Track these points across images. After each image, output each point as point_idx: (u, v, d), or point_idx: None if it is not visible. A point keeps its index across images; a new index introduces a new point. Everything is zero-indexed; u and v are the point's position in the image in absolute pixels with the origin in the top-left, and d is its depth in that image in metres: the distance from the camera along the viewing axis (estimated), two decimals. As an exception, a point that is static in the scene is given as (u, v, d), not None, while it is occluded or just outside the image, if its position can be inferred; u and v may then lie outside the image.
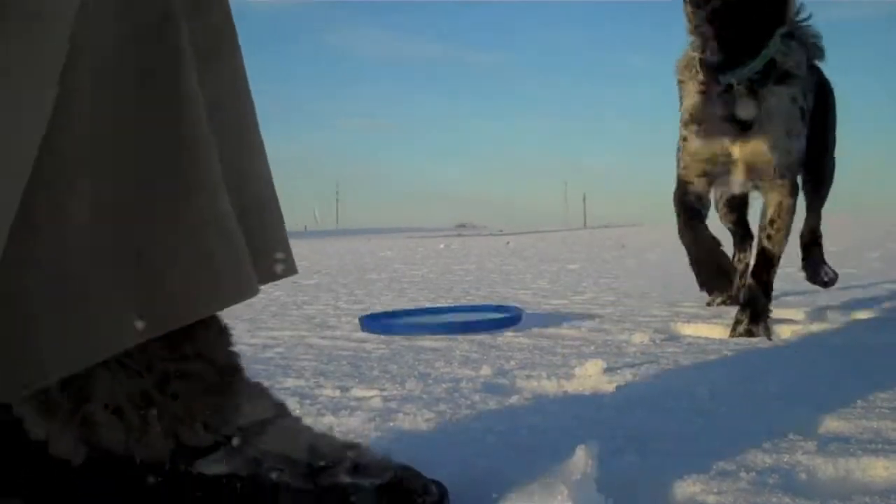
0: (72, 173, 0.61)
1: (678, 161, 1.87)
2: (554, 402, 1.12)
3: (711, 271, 1.79)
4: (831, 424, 0.99)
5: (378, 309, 2.52)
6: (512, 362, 1.52)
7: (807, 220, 2.22)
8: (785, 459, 0.84)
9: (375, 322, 2.08)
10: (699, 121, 1.74)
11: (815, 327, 1.93)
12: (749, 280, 1.86)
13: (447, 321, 2.13)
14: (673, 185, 1.90)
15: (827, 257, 2.31)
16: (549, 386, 1.30)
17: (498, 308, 2.35)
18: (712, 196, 1.93)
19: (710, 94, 1.70)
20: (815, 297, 2.59)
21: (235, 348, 0.73)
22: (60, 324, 0.60)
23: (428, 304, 2.73)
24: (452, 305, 2.65)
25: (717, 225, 2.02)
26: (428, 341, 1.84)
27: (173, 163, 0.65)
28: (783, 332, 1.88)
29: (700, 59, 1.69)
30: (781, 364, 1.43)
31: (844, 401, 1.12)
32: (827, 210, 2.28)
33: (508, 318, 2.07)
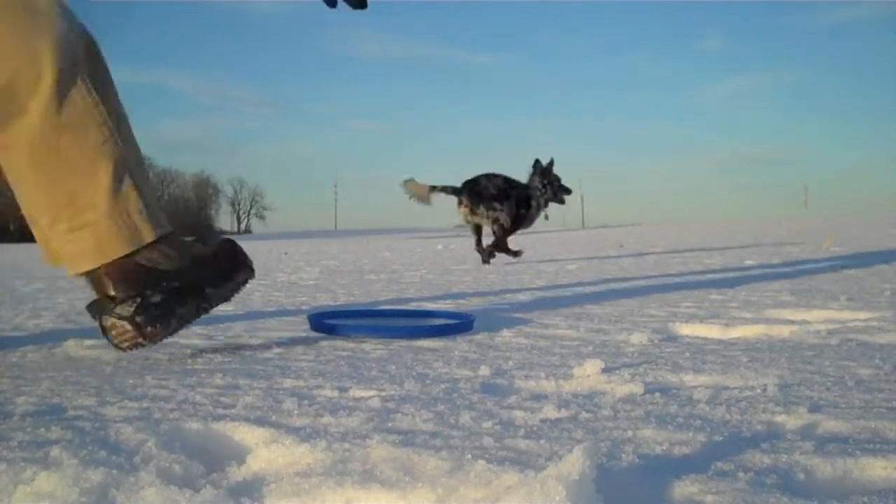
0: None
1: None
2: (552, 403, 1.11)
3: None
4: (829, 424, 0.99)
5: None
6: (510, 362, 1.52)
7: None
8: (783, 459, 0.84)
9: (321, 323, 2.03)
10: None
11: (814, 327, 1.93)
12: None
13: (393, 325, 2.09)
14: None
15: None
16: (548, 386, 1.30)
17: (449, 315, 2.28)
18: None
19: None
20: (812, 297, 2.59)
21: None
22: None
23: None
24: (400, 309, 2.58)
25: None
26: (427, 342, 1.84)
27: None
28: (782, 332, 1.88)
29: None
30: (779, 364, 1.43)
31: (843, 401, 1.12)
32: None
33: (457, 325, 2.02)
